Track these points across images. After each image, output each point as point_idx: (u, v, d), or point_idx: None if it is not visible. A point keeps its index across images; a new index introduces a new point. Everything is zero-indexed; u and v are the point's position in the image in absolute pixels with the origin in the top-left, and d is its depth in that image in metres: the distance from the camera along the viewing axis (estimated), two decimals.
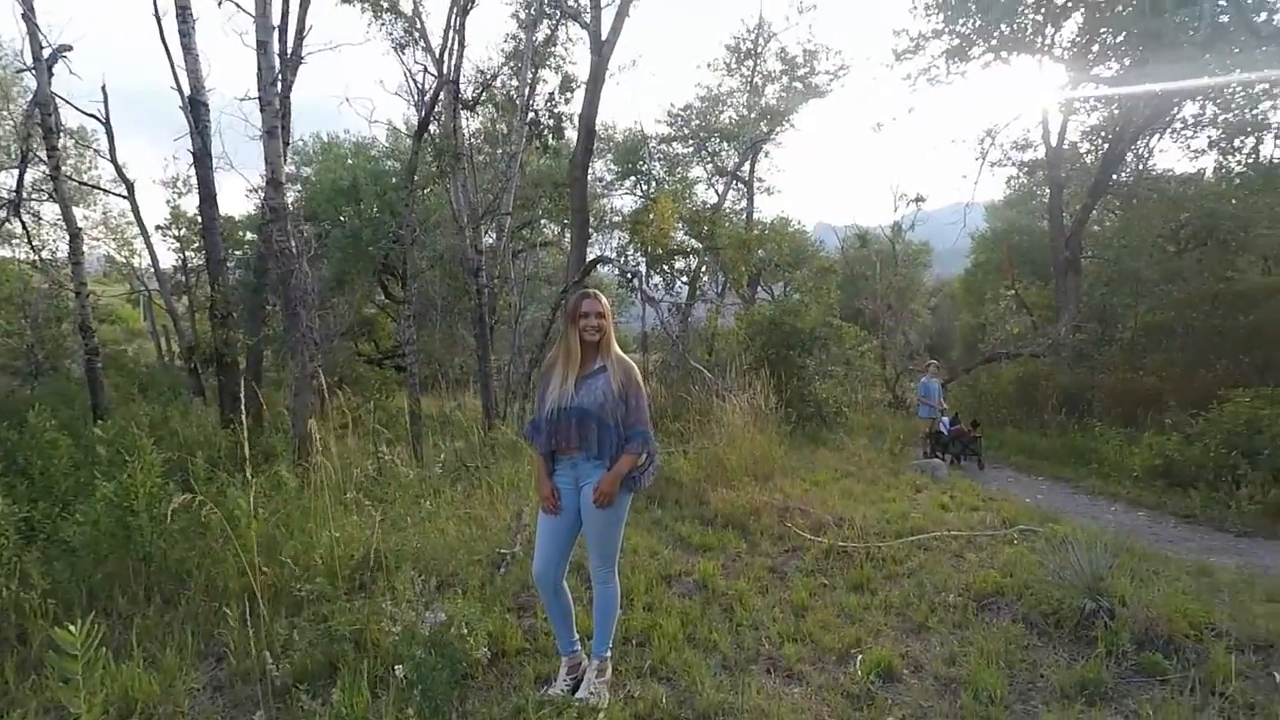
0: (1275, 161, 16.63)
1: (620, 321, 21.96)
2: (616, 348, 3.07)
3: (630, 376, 3.00)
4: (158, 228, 21.13)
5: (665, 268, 16.99)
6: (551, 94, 12.49)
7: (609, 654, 3.12)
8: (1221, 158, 16.96)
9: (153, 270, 18.14)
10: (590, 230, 17.32)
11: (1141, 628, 3.49)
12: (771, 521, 5.62)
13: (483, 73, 13.81)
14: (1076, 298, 16.27)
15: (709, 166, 21.76)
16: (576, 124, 11.46)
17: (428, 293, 14.54)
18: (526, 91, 12.32)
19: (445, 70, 10.04)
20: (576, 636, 3.16)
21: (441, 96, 10.47)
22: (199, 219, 9.41)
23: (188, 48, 7.79)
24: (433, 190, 15.03)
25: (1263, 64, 10.97)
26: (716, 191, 21.19)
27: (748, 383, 8.86)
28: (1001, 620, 3.84)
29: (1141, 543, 5.63)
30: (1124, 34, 12.24)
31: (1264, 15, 10.06)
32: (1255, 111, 15.71)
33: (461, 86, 10.71)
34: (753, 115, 19.31)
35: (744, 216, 20.98)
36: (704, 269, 18.73)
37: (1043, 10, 13.22)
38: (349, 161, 15.93)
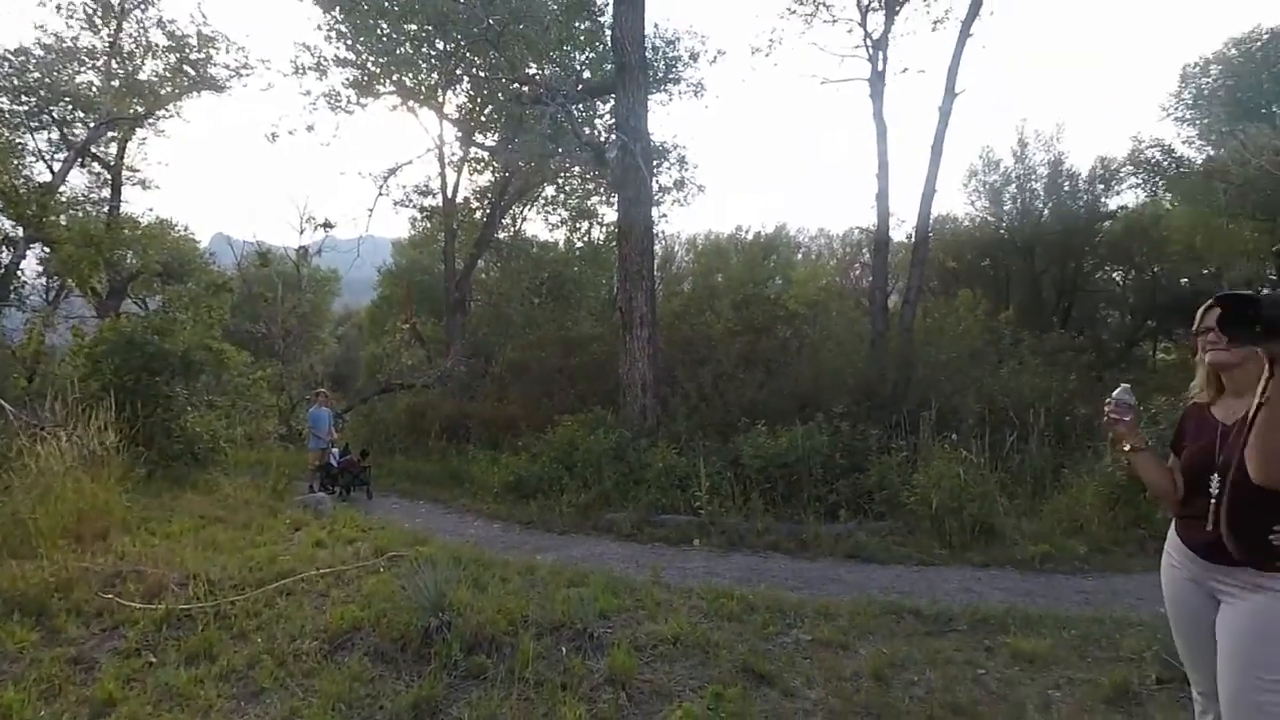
0: (599, 243, 22.33)
1: None
2: None
3: None
4: None
5: None
6: None
7: None
8: (569, 233, 21.88)
9: None
10: None
11: (472, 633, 3.89)
12: (88, 595, 4.44)
13: None
14: (462, 335, 18.43)
15: (52, 135, 16.98)
16: None
17: None
18: None
19: None
20: None
21: None
22: None
23: None
24: None
25: (588, 165, 14.44)
26: (51, 170, 16.57)
27: (85, 417, 7.06)
28: (352, 658, 3.78)
29: (490, 552, 6.43)
30: (499, 113, 14.49)
31: (587, 130, 13.30)
32: (589, 203, 20.86)
33: None
34: (119, 86, 15.90)
35: (105, 209, 17.05)
36: (41, 267, 14.41)
37: (438, 73, 14.64)
38: None
